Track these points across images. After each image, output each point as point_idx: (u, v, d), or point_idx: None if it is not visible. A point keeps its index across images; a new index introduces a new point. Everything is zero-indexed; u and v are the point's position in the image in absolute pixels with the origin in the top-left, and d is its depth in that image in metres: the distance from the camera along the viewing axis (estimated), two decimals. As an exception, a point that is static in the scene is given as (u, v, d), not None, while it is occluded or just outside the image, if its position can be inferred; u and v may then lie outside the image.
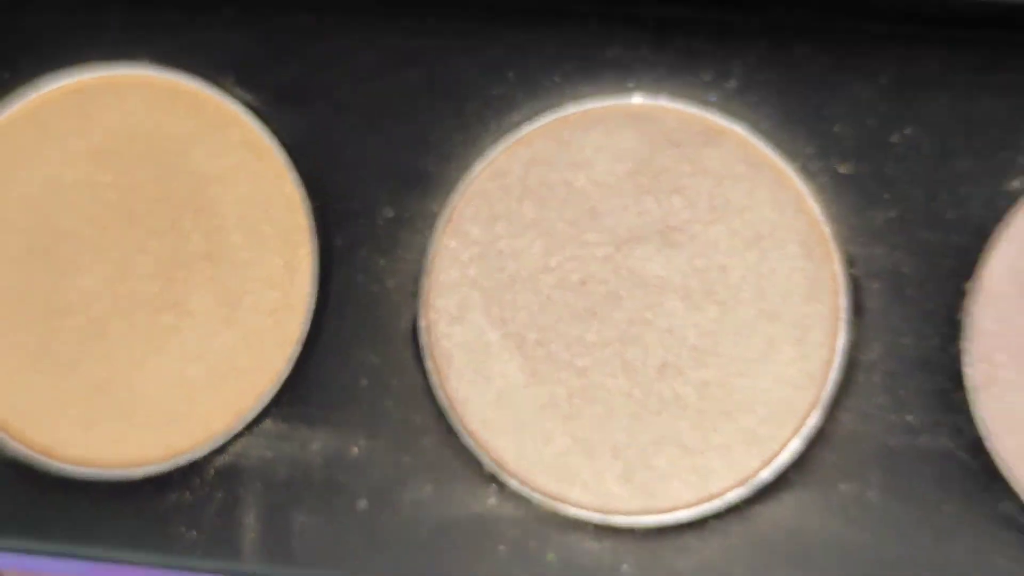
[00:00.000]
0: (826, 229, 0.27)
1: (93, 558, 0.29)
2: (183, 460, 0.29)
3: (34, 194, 0.29)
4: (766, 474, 0.27)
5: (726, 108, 0.28)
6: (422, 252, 0.28)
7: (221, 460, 0.29)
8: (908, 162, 0.28)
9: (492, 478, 0.28)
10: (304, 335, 0.29)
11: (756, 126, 0.28)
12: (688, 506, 0.27)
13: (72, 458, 0.29)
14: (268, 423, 0.29)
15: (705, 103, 0.28)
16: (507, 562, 0.27)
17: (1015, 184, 0.27)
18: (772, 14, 0.28)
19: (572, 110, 0.29)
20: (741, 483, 0.27)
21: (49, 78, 0.30)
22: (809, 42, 0.28)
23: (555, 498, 0.27)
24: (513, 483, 0.27)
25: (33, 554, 0.29)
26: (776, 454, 0.27)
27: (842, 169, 0.28)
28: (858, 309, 0.27)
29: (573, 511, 0.27)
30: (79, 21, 0.30)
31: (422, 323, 0.28)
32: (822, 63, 0.28)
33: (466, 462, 0.28)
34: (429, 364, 0.28)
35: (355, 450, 0.28)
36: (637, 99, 0.28)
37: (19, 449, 0.28)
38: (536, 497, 0.27)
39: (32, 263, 0.29)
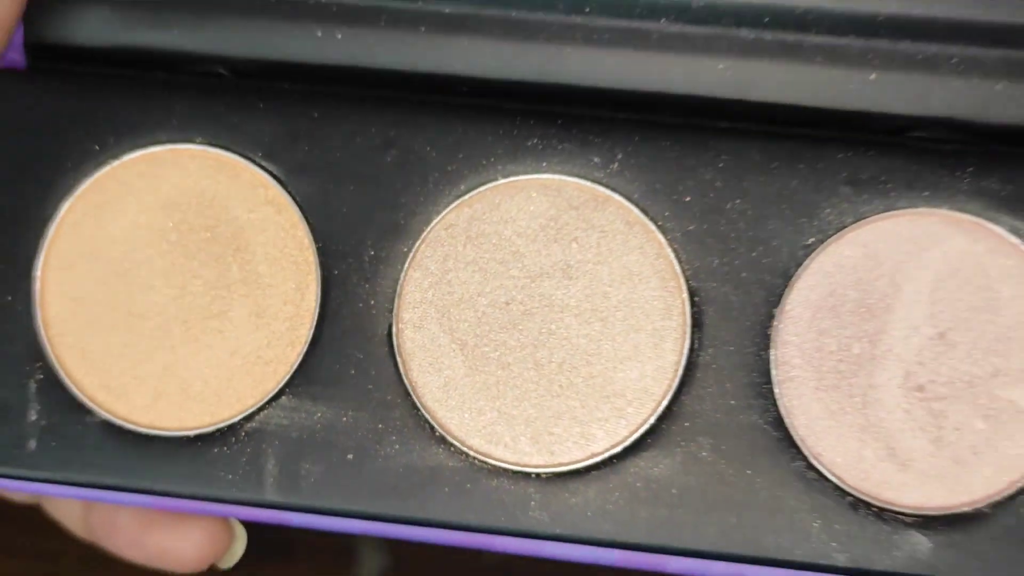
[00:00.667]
0: (678, 269, 0.35)
1: (159, 494, 0.36)
2: (223, 425, 0.35)
3: (119, 234, 0.36)
4: (631, 439, 0.34)
5: (609, 183, 0.35)
6: (395, 280, 0.35)
7: (250, 425, 0.35)
8: (736, 224, 0.35)
9: (441, 439, 0.35)
10: (310, 338, 0.35)
11: (630, 196, 0.35)
12: (576, 461, 0.34)
13: (144, 423, 0.35)
14: (284, 399, 0.35)
15: (595, 179, 0.35)
16: (450, 498, 0.35)
17: (811, 241, 0.35)
18: (644, 115, 0.36)
19: (502, 181, 0.35)
20: (614, 446, 0.34)
21: (128, 149, 0.36)
22: (669, 136, 0.35)
23: (485, 454, 0.35)
24: (455, 443, 0.35)
25: (115, 491, 0.36)
26: (639, 425, 0.34)
27: (690, 227, 0.35)
28: (698, 325, 0.35)
29: (497, 463, 0.35)
30: (151, 106, 0.36)
31: (394, 330, 0.35)
32: (678, 151, 0.35)
33: (423, 429, 0.35)
34: (398, 359, 0.35)
35: (345, 419, 0.35)
36: (547, 175, 0.35)
37: (107, 416, 0.36)
38: (471, 454, 0.35)
39: (118, 283, 0.36)
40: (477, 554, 0.47)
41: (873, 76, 0.36)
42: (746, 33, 0.36)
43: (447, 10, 0.37)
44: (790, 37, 0.36)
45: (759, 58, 0.36)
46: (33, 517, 0.45)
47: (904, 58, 0.36)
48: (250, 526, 0.39)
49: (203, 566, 0.39)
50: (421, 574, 0.51)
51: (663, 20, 0.36)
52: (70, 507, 0.40)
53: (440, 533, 0.36)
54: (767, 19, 0.36)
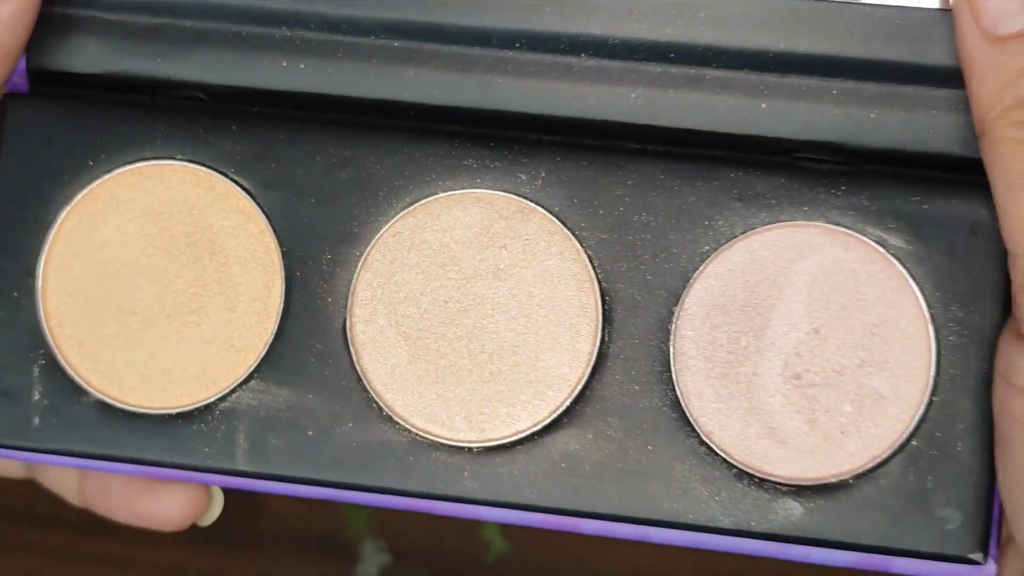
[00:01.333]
0: (592, 272, 0.39)
1: (145, 463, 0.41)
2: (200, 404, 0.40)
3: (110, 238, 0.41)
4: (550, 419, 0.39)
5: (534, 197, 0.40)
6: (349, 280, 0.40)
7: (224, 405, 0.40)
8: (642, 234, 0.40)
9: (388, 418, 0.40)
10: (275, 330, 0.40)
11: (552, 209, 0.40)
12: (504, 437, 0.39)
13: (132, 402, 0.40)
14: (253, 383, 0.40)
15: (522, 193, 0.40)
16: (396, 468, 0.40)
17: (706, 248, 0.39)
18: (565, 138, 0.41)
19: (442, 195, 0.40)
20: (536, 424, 0.39)
21: (118, 165, 0.41)
22: (586, 157, 0.40)
23: (425, 431, 0.40)
24: (400, 422, 0.40)
25: (107, 461, 0.41)
26: (557, 407, 0.39)
27: (603, 236, 0.40)
28: (608, 321, 0.39)
29: (436, 439, 0.40)
30: (139, 127, 0.41)
31: (348, 324, 0.40)
32: (593, 170, 0.40)
33: (372, 409, 0.40)
34: (351, 350, 0.40)
35: (306, 401, 0.40)
36: (481, 190, 0.40)
37: (101, 396, 0.40)
38: (413, 430, 0.40)
39: (110, 281, 0.41)
40: (477, 554, 0.51)
41: (764, 105, 0.41)
42: (654, 67, 0.41)
43: (396, 44, 0.42)
44: (692, 71, 0.41)
45: (665, 88, 0.41)
46: (26, 512, 0.48)
47: (791, 89, 0.41)
48: (251, 527, 0.44)
49: (185, 525, 0.43)
50: (421, 573, 0.53)
51: (583, 55, 0.41)
52: (65, 479, 0.44)
53: (387, 499, 0.41)
54: (672, 55, 0.41)
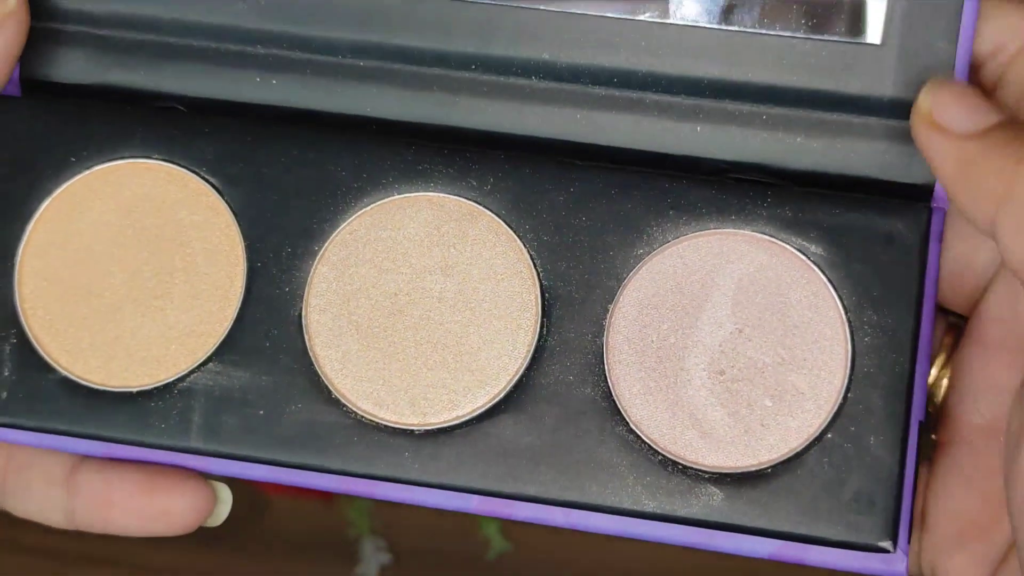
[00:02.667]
0: (534, 271, 0.42)
1: (105, 439, 0.43)
2: (160, 384, 0.43)
3: (85, 229, 0.44)
4: (489, 405, 0.42)
5: (482, 201, 0.43)
6: (307, 273, 0.43)
7: (182, 385, 0.43)
8: (581, 237, 0.42)
9: (336, 401, 0.42)
10: (235, 317, 0.43)
11: (498, 212, 0.43)
12: (444, 422, 0.42)
13: (96, 380, 0.43)
14: (211, 365, 0.43)
15: (471, 197, 0.43)
16: (341, 448, 0.42)
17: (640, 252, 0.42)
18: (513, 150, 0.44)
19: (397, 197, 0.43)
20: (475, 410, 0.42)
21: (98, 162, 0.44)
22: (532, 165, 0.43)
23: (371, 414, 0.42)
24: (347, 405, 0.42)
25: (69, 436, 0.43)
26: (496, 395, 0.42)
27: (545, 238, 0.42)
28: (547, 316, 0.42)
29: (380, 421, 0.42)
30: (118, 129, 0.44)
31: (303, 313, 0.43)
32: (538, 178, 0.43)
33: (322, 392, 0.42)
34: (306, 336, 0.42)
35: (259, 383, 0.42)
36: (433, 193, 0.43)
37: (67, 374, 0.43)
38: (360, 414, 0.42)
39: (83, 268, 0.43)
40: (477, 553, 0.52)
41: (699, 128, 0.44)
42: (599, 90, 0.45)
43: (361, 63, 0.45)
44: (633, 94, 0.45)
45: (608, 110, 0.44)
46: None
47: (724, 114, 0.44)
48: (251, 527, 0.45)
49: (193, 526, 0.44)
50: (421, 573, 0.54)
51: (533, 78, 0.45)
52: (48, 500, 0.44)
53: (333, 481, 0.43)
54: (615, 79, 0.44)
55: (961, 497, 0.42)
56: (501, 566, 0.54)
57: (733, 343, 0.42)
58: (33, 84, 0.46)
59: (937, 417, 0.43)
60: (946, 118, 0.40)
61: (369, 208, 0.44)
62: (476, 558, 0.53)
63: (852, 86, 0.43)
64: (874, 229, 0.42)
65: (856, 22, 0.44)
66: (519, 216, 0.44)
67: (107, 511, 0.44)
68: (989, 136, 0.39)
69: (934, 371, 0.44)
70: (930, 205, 0.43)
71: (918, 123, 0.41)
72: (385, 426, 0.43)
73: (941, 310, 0.45)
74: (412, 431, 0.43)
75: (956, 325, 0.44)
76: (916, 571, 0.44)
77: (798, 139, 0.44)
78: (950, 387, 0.43)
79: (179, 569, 0.53)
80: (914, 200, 0.43)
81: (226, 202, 0.44)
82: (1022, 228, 0.38)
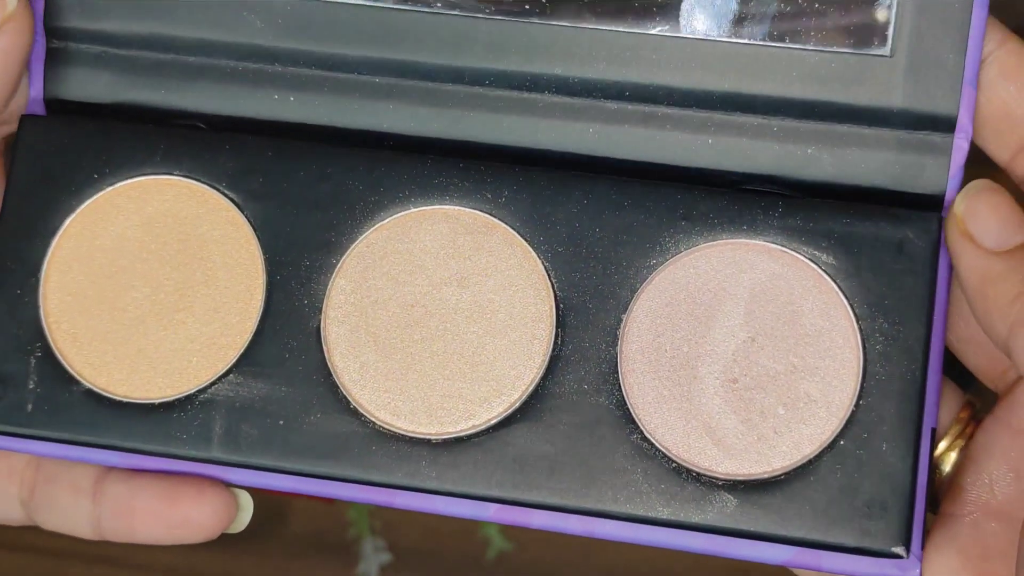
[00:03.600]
0: (548, 282, 0.43)
1: (128, 450, 0.43)
2: (181, 395, 0.43)
3: (109, 244, 0.44)
4: (505, 415, 0.42)
5: (497, 213, 0.43)
6: (325, 285, 0.43)
7: (203, 396, 0.43)
8: (594, 248, 0.43)
9: (355, 411, 0.43)
10: (255, 329, 0.43)
11: (513, 224, 0.43)
12: (462, 431, 0.42)
13: (120, 393, 0.43)
14: (232, 377, 0.43)
15: (486, 210, 0.43)
16: (360, 457, 0.42)
17: (653, 262, 0.43)
18: (530, 164, 0.44)
19: (413, 210, 0.44)
20: (491, 419, 0.42)
21: (121, 179, 0.45)
22: (545, 178, 0.44)
23: (389, 424, 0.43)
24: (366, 415, 0.43)
25: (93, 447, 0.44)
26: (512, 404, 0.42)
27: (559, 250, 0.43)
28: (561, 326, 0.43)
29: (398, 431, 0.43)
30: (140, 147, 0.45)
31: (322, 324, 0.43)
32: (552, 191, 0.43)
33: (340, 402, 0.43)
34: (324, 348, 0.43)
35: (279, 394, 0.43)
36: (449, 206, 0.44)
37: (91, 386, 0.44)
38: (378, 423, 0.43)
39: (106, 283, 0.44)
40: (477, 553, 0.52)
41: (711, 140, 0.45)
42: (611, 104, 0.45)
43: (377, 80, 0.46)
44: (645, 108, 0.45)
45: (620, 124, 0.45)
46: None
47: (735, 127, 0.45)
48: (252, 527, 0.45)
49: (216, 533, 0.44)
50: (421, 573, 0.54)
51: (546, 92, 0.45)
52: (75, 510, 0.45)
53: (350, 489, 0.44)
54: (627, 93, 0.45)
55: (957, 573, 0.42)
56: (501, 566, 0.54)
57: (746, 351, 0.43)
58: (57, 104, 0.47)
59: (941, 489, 0.43)
60: (976, 229, 0.41)
61: (386, 221, 0.45)
62: (476, 558, 0.53)
63: (862, 97, 0.44)
64: (885, 238, 0.43)
65: (865, 34, 0.44)
66: (533, 228, 0.44)
67: (132, 520, 0.45)
68: (1014, 257, 0.41)
69: (944, 444, 0.44)
70: (940, 215, 0.43)
71: (950, 226, 0.42)
72: (403, 435, 0.43)
73: (962, 383, 0.46)
74: (429, 440, 0.43)
75: (972, 403, 0.44)
76: None
77: (809, 150, 0.44)
78: (967, 461, 0.43)
79: (179, 569, 0.53)
80: (925, 209, 0.44)
81: (246, 217, 0.45)
82: None
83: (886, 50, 0.44)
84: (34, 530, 0.48)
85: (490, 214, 0.44)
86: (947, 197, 0.44)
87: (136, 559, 0.53)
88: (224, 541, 0.45)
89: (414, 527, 0.61)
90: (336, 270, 0.44)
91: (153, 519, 0.44)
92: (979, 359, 0.44)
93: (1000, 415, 0.43)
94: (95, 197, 0.45)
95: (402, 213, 0.45)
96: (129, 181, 0.46)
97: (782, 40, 0.44)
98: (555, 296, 0.44)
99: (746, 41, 0.44)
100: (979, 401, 0.45)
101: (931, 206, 0.44)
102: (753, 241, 0.43)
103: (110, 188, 0.45)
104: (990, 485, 0.42)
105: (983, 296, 0.41)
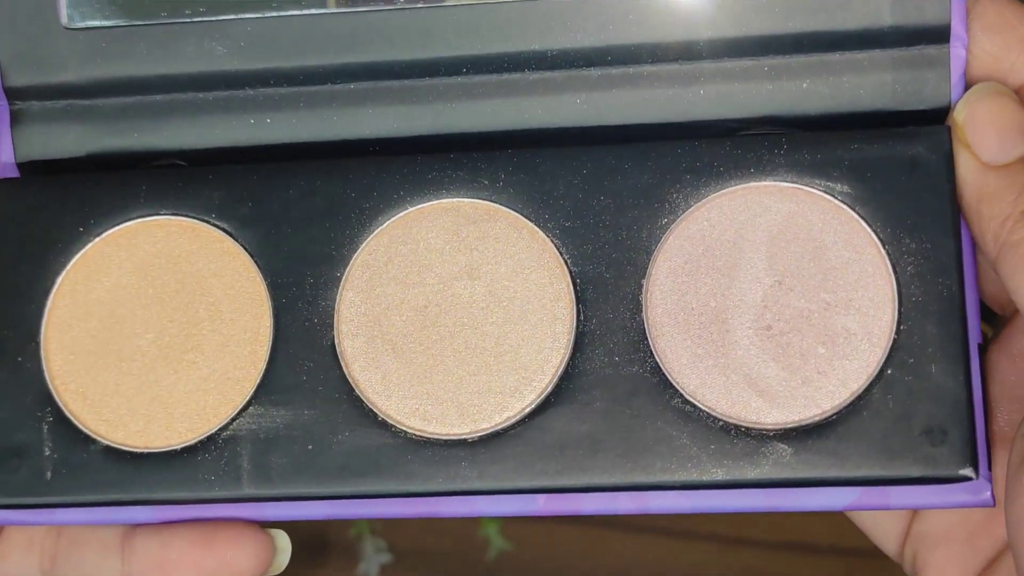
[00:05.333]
0: (560, 259, 0.41)
1: (156, 502, 0.42)
2: (203, 436, 0.42)
3: (105, 296, 0.43)
4: (538, 401, 0.41)
5: (497, 199, 0.42)
6: (333, 301, 0.42)
7: (225, 434, 0.42)
8: (602, 216, 0.42)
9: (384, 424, 0.41)
10: (268, 357, 0.42)
11: (515, 207, 0.42)
12: (496, 425, 0.41)
13: (139, 444, 0.42)
14: (251, 409, 0.42)
15: (485, 197, 0.42)
16: (396, 469, 0.41)
17: (664, 221, 0.41)
18: (523, 145, 0.43)
19: (411, 209, 0.43)
20: (524, 408, 0.41)
21: (107, 227, 0.43)
22: (541, 154, 0.42)
23: (421, 431, 0.41)
24: (395, 425, 0.41)
25: (120, 505, 0.42)
26: (543, 389, 0.41)
27: (566, 224, 0.42)
28: (581, 302, 0.41)
29: (431, 436, 0.41)
30: (122, 192, 0.43)
31: (336, 341, 0.42)
32: (549, 165, 0.42)
33: (367, 416, 0.42)
34: (342, 363, 0.42)
35: (303, 418, 0.42)
36: (446, 199, 0.42)
37: (108, 443, 0.42)
38: (409, 431, 0.41)
39: (108, 335, 0.43)
40: (477, 552, 0.51)
41: (702, 91, 0.44)
42: (594, 71, 0.44)
43: (352, 87, 0.45)
44: (631, 70, 0.44)
45: (607, 90, 0.44)
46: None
47: (725, 73, 0.44)
48: None
49: None
50: (421, 572, 0.53)
51: (526, 70, 0.44)
52: (104, 570, 0.43)
53: (392, 507, 0.42)
54: (609, 58, 0.44)
55: None
56: (501, 566, 0.53)
57: (775, 296, 0.41)
58: (30, 165, 0.46)
59: None
60: (975, 139, 0.40)
61: (385, 226, 0.43)
62: (476, 558, 0.52)
63: (850, 22, 0.43)
64: (896, 157, 0.42)
65: None
66: (537, 207, 0.43)
67: (165, 573, 0.43)
68: (1010, 172, 0.40)
69: None
70: (948, 126, 0.42)
71: (953, 129, 0.41)
72: (437, 440, 0.42)
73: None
74: (465, 440, 0.42)
75: (984, 333, 0.43)
76: (898, 554, 0.44)
77: (804, 84, 0.43)
78: None
79: None
80: (931, 122, 0.42)
81: (241, 245, 0.44)
82: (1016, 273, 0.38)
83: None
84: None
85: (490, 200, 0.43)
86: (952, 103, 0.42)
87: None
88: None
89: (414, 527, 0.60)
90: (342, 283, 0.43)
91: (189, 569, 0.43)
92: (985, 283, 0.43)
93: (1003, 341, 0.42)
94: (83, 250, 0.44)
95: (400, 214, 0.43)
96: (116, 228, 0.44)
97: (758, -25, 0.43)
98: (570, 272, 0.42)
99: (722, -18, 0.43)
100: (991, 330, 0.43)
101: (937, 119, 0.42)
102: (763, 183, 0.42)
103: (97, 239, 0.44)
104: (993, 414, 0.41)
105: (977, 213, 0.40)
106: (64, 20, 0.45)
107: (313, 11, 0.44)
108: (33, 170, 0.46)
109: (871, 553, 0.44)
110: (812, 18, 0.43)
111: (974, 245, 0.42)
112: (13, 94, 0.45)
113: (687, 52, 0.44)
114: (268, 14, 0.44)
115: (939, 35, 0.42)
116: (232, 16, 0.44)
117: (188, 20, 0.45)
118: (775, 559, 0.43)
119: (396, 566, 0.54)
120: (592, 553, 0.59)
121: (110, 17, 0.45)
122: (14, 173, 0.46)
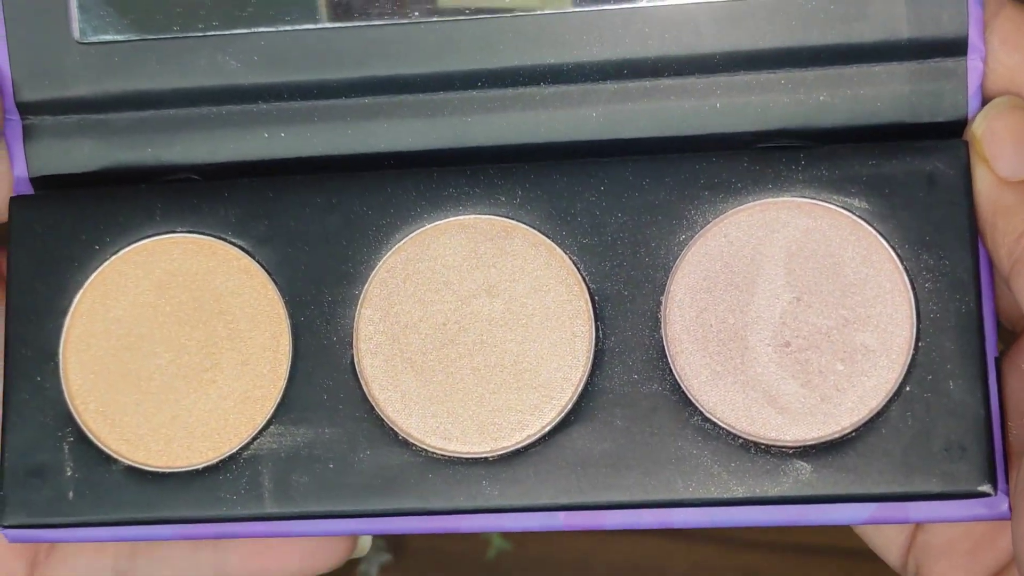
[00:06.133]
0: (578, 276, 0.41)
1: (178, 521, 0.42)
2: (225, 456, 0.42)
3: (123, 315, 0.43)
4: (558, 419, 0.41)
5: (514, 215, 0.42)
6: (351, 319, 0.42)
7: (246, 453, 0.42)
8: (620, 233, 0.42)
9: (404, 442, 0.42)
10: (287, 375, 0.42)
11: (532, 223, 0.42)
12: (516, 443, 0.41)
13: (160, 464, 0.42)
14: (272, 428, 0.42)
15: (502, 214, 0.42)
16: (417, 487, 0.41)
17: (682, 238, 0.41)
18: (537, 161, 0.43)
19: (428, 226, 0.42)
20: (545, 426, 0.41)
21: (123, 246, 0.43)
22: (558, 170, 0.42)
23: (440, 448, 0.41)
24: (416, 443, 0.41)
25: (142, 524, 0.42)
26: (563, 407, 0.41)
27: (584, 241, 0.42)
28: (600, 319, 0.41)
29: (451, 454, 0.41)
30: (138, 210, 0.43)
31: (355, 359, 0.42)
32: (566, 182, 0.42)
33: (387, 435, 0.42)
34: (361, 382, 0.42)
35: (323, 437, 0.42)
36: (464, 216, 0.42)
37: (129, 462, 0.42)
38: (429, 449, 0.41)
39: (127, 354, 0.43)
40: (477, 552, 0.52)
41: (718, 104, 0.44)
42: (610, 85, 0.44)
43: (366, 101, 0.45)
44: (647, 83, 0.44)
45: (623, 103, 0.44)
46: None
47: (741, 86, 0.44)
48: None
49: (344, 559, 0.44)
50: (420, 571, 0.54)
51: (541, 84, 0.44)
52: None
53: (411, 524, 0.42)
54: (625, 71, 0.44)
55: None
56: (501, 566, 0.53)
57: (793, 312, 0.41)
58: (44, 181, 0.46)
59: None
60: (992, 153, 0.40)
61: (402, 242, 0.43)
62: (476, 558, 0.52)
63: (866, 34, 0.43)
64: (914, 173, 0.42)
65: None
66: (554, 224, 0.43)
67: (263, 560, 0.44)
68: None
69: None
70: (965, 140, 0.42)
71: (971, 143, 0.41)
72: (458, 458, 0.42)
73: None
74: (486, 458, 0.42)
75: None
76: (900, 564, 0.44)
77: (821, 97, 0.43)
78: None
79: None
80: (949, 136, 0.42)
81: (258, 262, 0.44)
82: None
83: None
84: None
85: (507, 217, 0.43)
86: (969, 117, 0.42)
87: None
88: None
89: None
90: (360, 301, 0.43)
91: (286, 552, 0.44)
92: (997, 298, 0.43)
93: (1012, 356, 0.42)
94: (100, 269, 0.44)
95: (417, 231, 0.43)
96: (132, 246, 0.44)
97: (775, -11, 0.43)
98: (588, 290, 0.42)
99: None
100: (1001, 344, 0.43)
101: (954, 132, 0.42)
102: (781, 198, 0.42)
103: (114, 257, 0.44)
104: (1006, 428, 0.41)
105: (992, 227, 0.40)
106: (77, 35, 0.45)
107: (327, 25, 0.44)
108: (46, 185, 0.46)
109: (871, 555, 0.44)
110: (828, 31, 0.43)
111: (990, 260, 0.42)
112: (26, 109, 0.45)
113: (703, 66, 0.44)
114: (281, 28, 0.44)
115: (956, 48, 0.42)
116: (245, 30, 0.44)
117: (201, 35, 0.44)
118: (775, 559, 0.43)
119: (396, 566, 0.54)
120: (592, 553, 0.60)
121: (123, 32, 0.45)
122: (27, 188, 0.46)
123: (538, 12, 0.44)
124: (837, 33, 0.43)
